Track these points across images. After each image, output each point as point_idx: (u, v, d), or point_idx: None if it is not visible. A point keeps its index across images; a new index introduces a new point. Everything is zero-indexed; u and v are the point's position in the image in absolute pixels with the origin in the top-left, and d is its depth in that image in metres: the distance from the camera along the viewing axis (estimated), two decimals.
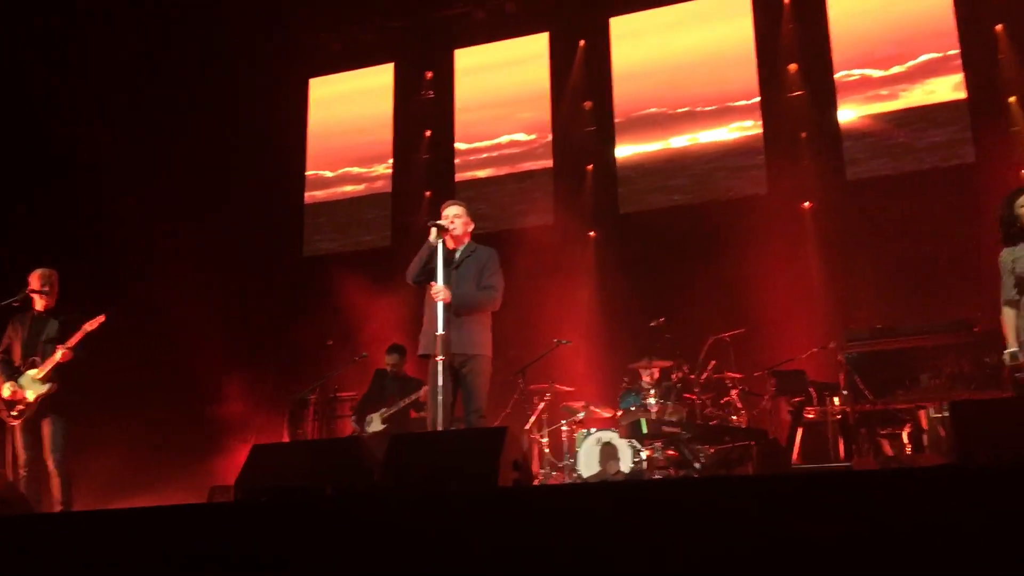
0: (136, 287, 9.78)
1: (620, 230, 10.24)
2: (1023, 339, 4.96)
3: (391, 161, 11.57)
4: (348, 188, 11.70)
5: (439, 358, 5.06)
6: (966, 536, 2.52)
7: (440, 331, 5.11)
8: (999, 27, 9.11)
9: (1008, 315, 5.09)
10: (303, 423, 9.01)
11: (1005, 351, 5.17)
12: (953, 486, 2.69)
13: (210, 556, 3.27)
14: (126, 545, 3.41)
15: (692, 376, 7.59)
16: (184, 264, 9.93)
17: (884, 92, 9.52)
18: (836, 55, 9.72)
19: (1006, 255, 5.07)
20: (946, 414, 5.27)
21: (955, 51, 9.29)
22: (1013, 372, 5.11)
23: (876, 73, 9.58)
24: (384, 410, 7.97)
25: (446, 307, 5.21)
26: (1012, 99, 8.98)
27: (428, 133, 11.41)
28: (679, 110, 10.35)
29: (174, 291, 9.64)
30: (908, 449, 6.31)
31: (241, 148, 11.25)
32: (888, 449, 6.43)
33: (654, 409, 7.37)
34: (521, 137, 11.04)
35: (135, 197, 9.82)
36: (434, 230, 5.38)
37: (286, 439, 9.08)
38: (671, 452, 6.99)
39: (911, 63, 9.45)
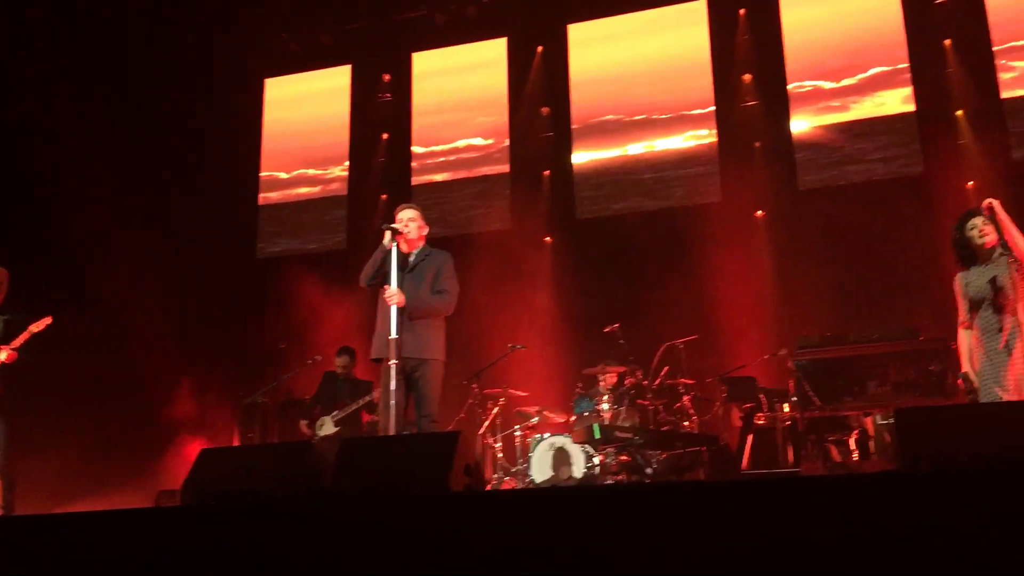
0: (86, 286, 9.60)
1: (576, 236, 10.28)
2: (981, 362, 5.02)
3: (347, 163, 11.50)
4: (303, 190, 11.60)
5: (392, 362, 5.03)
6: (909, 540, 2.57)
7: (393, 335, 5.08)
8: (947, 42, 9.31)
9: (963, 337, 5.18)
10: (255, 426, 8.90)
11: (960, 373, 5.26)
12: (897, 491, 2.73)
13: (154, 562, 3.21)
14: (68, 550, 3.34)
15: (645, 382, 7.63)
16: (135, 264, 9.78)
17: (835, 103, 9.68)
18: (789, 66, 9.87)
19: (960, 279, 5.17)
20: (892, 421, 5.36)
21: (904, 64, 9.49)
22: (967, 394, 5.21)
23: (828, 85, 9.74)
24: (336, 413, 7.90)
25: (399, 311, 5.18)
26: (959, 112, 9.18)
27: (385, 136, 11.36)
28: (635, 117, 10.43)
29: (125, 291, 9.49)
30: (855, 455, 6.41)
31: (195, 147, 11.11)
32: (836, 455, 6.52)
33: (607, 414, 7.40)
34: (478, 142, 11.04)
35: (86, 195, 9.65)
36: (388, 233, 5.35)
37: (237, 442, 8.97)
38: (624, 457, 7.02)
39: (862, 76, 9.63)
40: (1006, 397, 4.77)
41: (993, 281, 4.93)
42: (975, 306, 5.05)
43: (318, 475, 3.52)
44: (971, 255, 5.13)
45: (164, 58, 11.02)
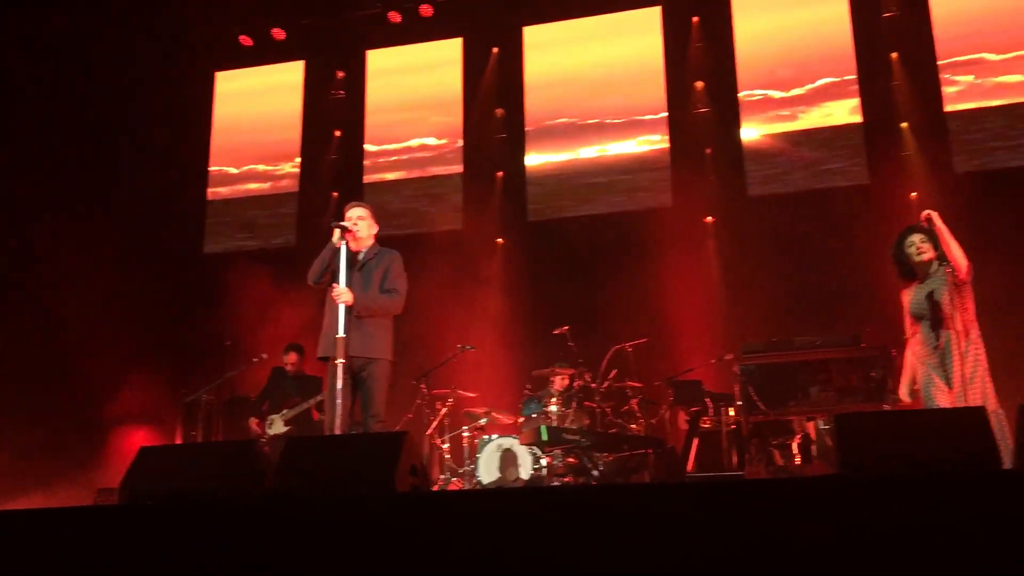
0: (25, 279, 9.37)
1: (528, 237, 10.30)
2: (922, 375, 5.12)
3: (298, 160, 11.38)
4: (253, 186, 11.45)
5: (339, 361, 4.99)
6: (847, 541, 2.61)
7: (340, 334, 5.03)
8: (894, 55, 9.51)
9: (907, 356, 5.29)
10: (198, 424, 8.76)
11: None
12: (836, 495, 2.78)
13: (92, 561, 3.15)
14: (3, 549, 3.25)
15: (594, 384, 7.66)
16: (78, 258, 9.56)
17: (785, 113, 9.83)
18: (740, 75, 10.00)
19: (905, 296, 5.28)
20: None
21: (852, 76, 9.67)
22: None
23: (777, 94, 9.89)
24: (286, 411, 7.82)
25: (347, 309, 5.14)
26: (904, 124, 9.38)
27: (338, 133, 11.26)
28: (589, 121, 10.48)
29: (66, 285, 9.29)
30: (798, 459, 6.51)
31: (141, 139, 10.91)
32: (779, 459, 6.61)
33: (555, 416, 7.42)
34: (432, 141, 11.00)
35: (24, 185, 9.42)
36: (337, 231, 5.31)
37: (180, 440, 8.83)
38: (571, 459, 7.04)
39: (810, 86, 9.79)
40: (946, 404, 4.87)
41: (930, 296, 5.04)
42: (916, 322, 5.17)
43: (261, 475, 3.48)
44: (910, 271, 5.24)
45: (113, 47, 10.80)
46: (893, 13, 9.57)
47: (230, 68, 11.65)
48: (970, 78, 9.29)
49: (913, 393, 5.25)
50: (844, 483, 2.90)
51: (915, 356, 5.16)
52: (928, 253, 5.13)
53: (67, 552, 3.20)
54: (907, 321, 5.25)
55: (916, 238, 5.19)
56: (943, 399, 4.90)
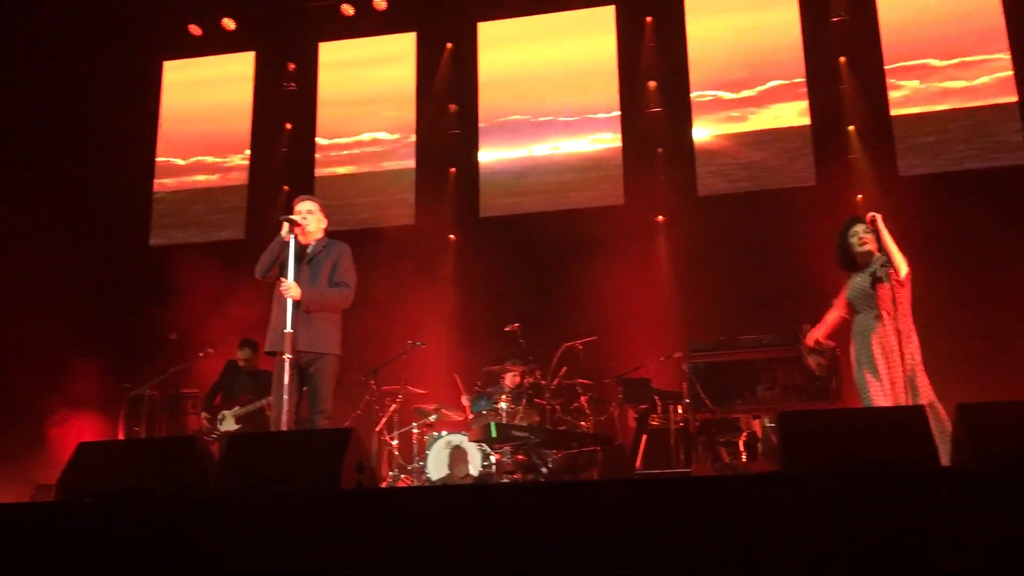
0: None
1: (480, 234, 10.27)
2: (856, 367, 5.25)
3: (248, 152, 11.22)
4: (201, 177, 11.26)
5: (286, 356, 4.93)
6: (788, 536, 2.64)
7: (288, 328, 4.97)
8: (842, 59, 9.66)
9: (828, 314, 5.47)
10: (141, 420, 8.60)
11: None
12: (779, 492, 2.81)
13: (27, 558, 3.07)
14: None
15: (544, 382, 7.68)
16: (17, 248, 9.33)
17: (735, 114, 9.93)
18: (692, 76, 10.08)
19: (847, 283, 5.39)
20: None
21: (801, 79, 9.80)
22: (807, 354, 5.52)
23: (728, 95, 9.99)
24: (238, 408, 7.71)
25: (295, 304, 5.08)
26: (851, 128, 9.54)
27: (289, 126, 11.11)
28: (542, 119, 10.49)
29: (4, 275, 9.05)
30: (744, 457, 6.59)
31: (86, 128, 10.66)
32: (726, 456, 6.69)
33: (505, 413, 7.42)
34: (384, 136, 10.92)
35: None
36: (286, 225, 5.25)
37: (121, 436, 8.67)
38: (520, 456, 7.05)
39: (760, 88, 9.91)
40: (882, 400, 4.97)
41: (873, 275, 5.17)
42: (853, 309, 5.29)
43: (204, 472, 3.41)
44: (851, 261, 5.37)
45: (58, 33, 10.55)
46: (842, 17, 9.72)
47: (179, 57, 11.44)
48: (915, 83, 9.48)
49: (820, 345, 5.43)
50: (787, 480, 2.94)
51: (851, 344, 5.28)
52: (870, 244, 5.28)
53: (1, 549, 3.12)
54: (841, 296, 5.37)
55: (859, 228, 5.34)
56: (878, 396, 5.00)
